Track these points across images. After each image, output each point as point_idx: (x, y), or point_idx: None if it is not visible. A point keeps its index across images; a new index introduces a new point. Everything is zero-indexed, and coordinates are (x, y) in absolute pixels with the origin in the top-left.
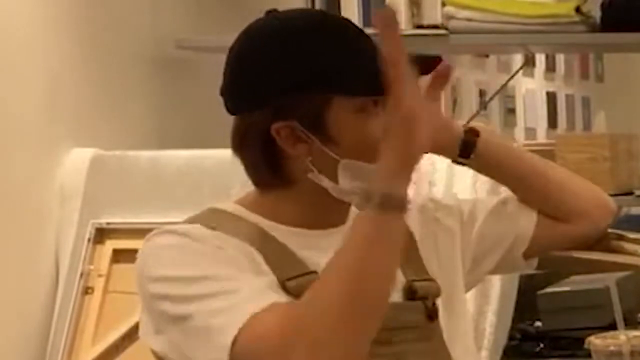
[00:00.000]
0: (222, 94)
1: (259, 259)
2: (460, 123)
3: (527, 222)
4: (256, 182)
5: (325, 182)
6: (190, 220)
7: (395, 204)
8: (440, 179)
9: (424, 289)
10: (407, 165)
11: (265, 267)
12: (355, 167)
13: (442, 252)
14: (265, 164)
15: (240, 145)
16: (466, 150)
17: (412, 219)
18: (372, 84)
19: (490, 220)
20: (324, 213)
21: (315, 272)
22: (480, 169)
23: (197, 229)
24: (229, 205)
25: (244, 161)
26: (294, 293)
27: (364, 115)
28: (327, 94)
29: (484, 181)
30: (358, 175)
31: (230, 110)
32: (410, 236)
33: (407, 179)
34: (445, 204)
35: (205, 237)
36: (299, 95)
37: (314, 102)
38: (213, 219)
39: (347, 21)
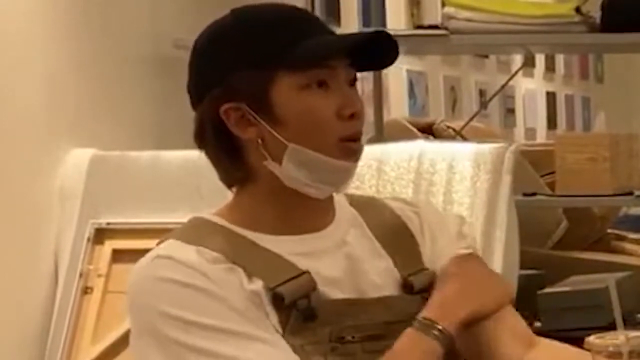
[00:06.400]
0: (188, 91)
1: (242, 278)
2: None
3: None
4: (224, 180)
5: (277, 169)
6: (177, 236)
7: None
8: (439, 180)
9: (420, 281)
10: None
11: (247, 285)
12: (301, 153)
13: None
14: (224, 153)
15: (200, 138)
16: None
17: (403, 210)
18: (314, 59)
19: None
20: (299, 216)
21: (306, 272)
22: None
23: (185, 256)
24: (212, 217)
25: (208, 157)
26: (286, 298)
27: (307, 93)
28: (270, 69)
29: (483, 180)
30: (303, 163)
31: (192, 105)
32: (405, 228)
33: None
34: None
35: (192, 275)
36: (243, 73)
37: (259, 79)
38: (198, 233)
39: (307, 12)
